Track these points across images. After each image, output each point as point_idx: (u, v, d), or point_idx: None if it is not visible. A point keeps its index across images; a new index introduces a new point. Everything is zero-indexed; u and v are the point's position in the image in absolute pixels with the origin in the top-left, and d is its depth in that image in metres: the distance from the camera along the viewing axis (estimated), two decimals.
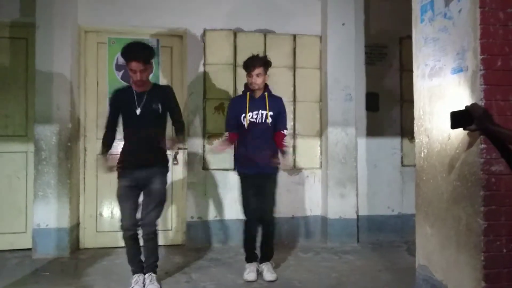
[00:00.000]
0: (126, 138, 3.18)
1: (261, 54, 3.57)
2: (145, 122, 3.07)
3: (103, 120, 4.35)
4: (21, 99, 4.27)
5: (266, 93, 3.47)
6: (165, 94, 3.18)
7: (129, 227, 3.08)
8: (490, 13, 2.21)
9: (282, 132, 3.50)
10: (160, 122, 3.17)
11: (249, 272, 3.40)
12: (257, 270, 3.45)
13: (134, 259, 3.15)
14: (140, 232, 3.14)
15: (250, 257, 3.48)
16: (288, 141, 3.51)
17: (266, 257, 3.50)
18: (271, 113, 3.44)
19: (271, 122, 3.44)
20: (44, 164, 4.02)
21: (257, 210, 3.43)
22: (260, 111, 3.42)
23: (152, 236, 3.13)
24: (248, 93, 3.45)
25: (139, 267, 3.15)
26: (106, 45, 4.48)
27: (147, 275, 3.14)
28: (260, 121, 3.42)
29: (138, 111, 3.06)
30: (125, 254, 3.20)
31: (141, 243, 3.17)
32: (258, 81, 3.37)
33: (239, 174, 3.54)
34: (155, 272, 3.18)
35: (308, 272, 3.63)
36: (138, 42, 3.14)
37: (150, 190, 3.10)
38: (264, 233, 3.49)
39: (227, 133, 3.51)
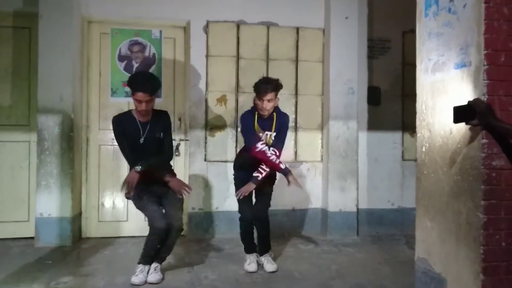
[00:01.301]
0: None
1: (266, 75, 3.54)
2: (148, 149, 3.18)
3: (105, 111, 4.42)
4: (24, 89, 4.28)
5: (274, 113, 3.42)
6: (164, 122, 3.28)
7: (161, 227, 3.06)
8: (495, 8, 2.20)
9: (276, 150, 3.38)
10: (161, 147, 3.28)
11: (250, 263, 3.44)
12: (258, 262, 3.48)
13: (150, 254, 3.17)
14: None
15: (249, 248, 3.52)
16: (275, 159, 3.34)
17: (264, 250, 3.53)
18: (275, 133, 3.44)
19: (273, 141, 3.44)
20: (46, 154, 4.04)
21: (252, 210, 3.46)
22: (266, 132, 3.42)
23: (178, 234, 3.18)
24: (256, 113, 3.40)
25: (149, 261, 3.17)
26: (109, 36, 4.47)
27: (153, 264, 3.17)
28: (264, 141, 3.42)
29: (141, 140, 3.18)
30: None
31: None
32: (268, 106, 3.33)
33: (237, 178, 3.54)
34: (160, 263, 3.22)
35: (308, 263, 3.66)
36: (146, 73, 3.19)
37: (169, 194, 3.20)
38: (260, 231, 3.52)
39: (258, 145, 3.33)
